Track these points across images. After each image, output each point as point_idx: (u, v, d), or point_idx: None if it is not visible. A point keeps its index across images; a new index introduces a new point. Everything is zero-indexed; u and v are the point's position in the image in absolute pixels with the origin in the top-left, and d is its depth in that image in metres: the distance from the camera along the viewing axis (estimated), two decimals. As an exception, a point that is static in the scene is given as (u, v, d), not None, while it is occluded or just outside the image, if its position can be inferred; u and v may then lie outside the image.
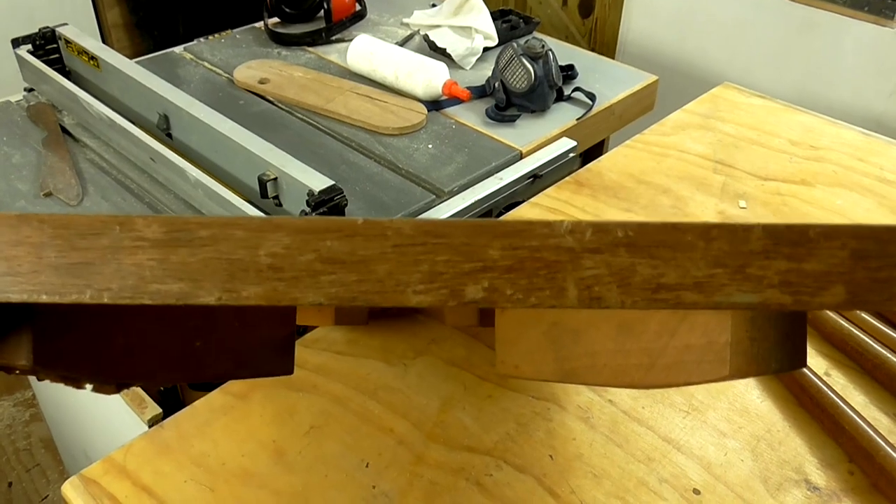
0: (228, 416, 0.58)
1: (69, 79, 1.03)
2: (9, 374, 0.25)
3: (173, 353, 0.24)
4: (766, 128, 1.00)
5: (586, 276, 0.20)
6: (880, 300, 0.19)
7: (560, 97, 1.08)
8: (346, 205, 0.74)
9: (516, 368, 0.32)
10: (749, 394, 0.62)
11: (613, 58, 1.96)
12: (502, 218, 0.82)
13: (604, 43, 2.07)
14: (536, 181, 0.95)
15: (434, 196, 0.87)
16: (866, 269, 0.19)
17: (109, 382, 0.25)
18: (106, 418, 0.82)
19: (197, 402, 0.60)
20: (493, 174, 0.92)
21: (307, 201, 0.72)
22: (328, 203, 0.72)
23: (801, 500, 0.54)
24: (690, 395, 0.62)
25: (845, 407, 0.58)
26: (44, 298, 0.19)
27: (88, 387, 0.25)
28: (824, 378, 0.63)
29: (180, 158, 0.81)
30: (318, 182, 0.74)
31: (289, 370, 0.26)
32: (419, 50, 1.19)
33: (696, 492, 0.55)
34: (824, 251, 0.19)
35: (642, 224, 0.19)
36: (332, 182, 0.73)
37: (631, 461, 0.57)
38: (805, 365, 0.26)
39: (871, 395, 0.62)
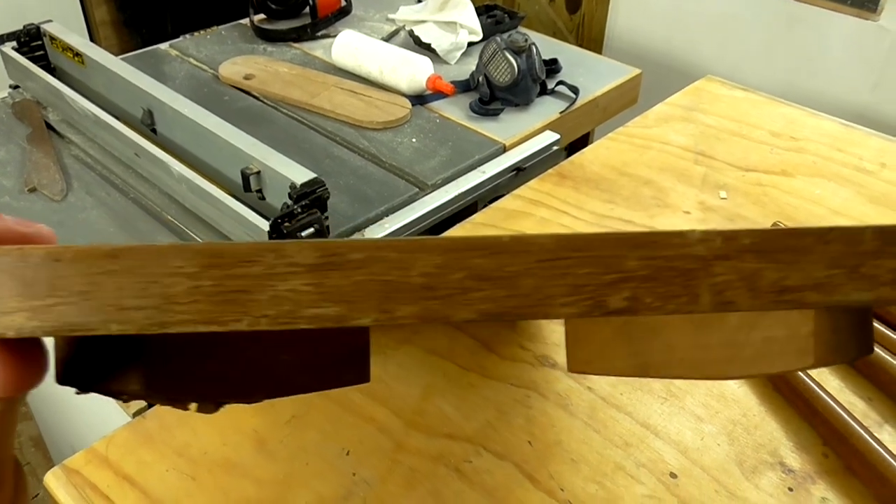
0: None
1: (54, 75, 1.03)
2: (116, 398, 0.25)
3: (263, 369, 0.24)
4: (748, 119, 1.01)
5: (718, 282, 0.20)
6: None
7: (544, 91, 1.08)
8: (328, 197, 0.74)
9: (588, 365, 0.32)
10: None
11: (601, 53, 1.97)
12: (495, 204, 0.83)
13: (591, 38, 2.08)
14: (520, 174, 0.95)
15: (417, 189, 0.88)
16: None
17: (210, 402, 0.26)
18: (92, 412, 0.83)
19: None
20: (476, 167, 0.93)
21: (289, 194, 0.73)
22: (310, 195, 0.73)
23: (776, 483, 0.55)
24: (669, 382, 0.62)
25: (819, 391, 0.59)
26: (200, 328, 0.19)
27: (192, 407, 0.25)
28: (801, 364, 0.64)
29: (164, 153, 0.82)
30: (301, 175, 0.74)
31: (366, 378, 0.26)
32: (404, 45, 1.19)
33: (673, 475, 0.55)
34: None
35: (766, 231, 0.20)
36: (315, 175, 0.74)
37: (609, 446, 0.57)
38: (873, 351, 0.26)
39: (847, 379, 0.63)
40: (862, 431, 0.55)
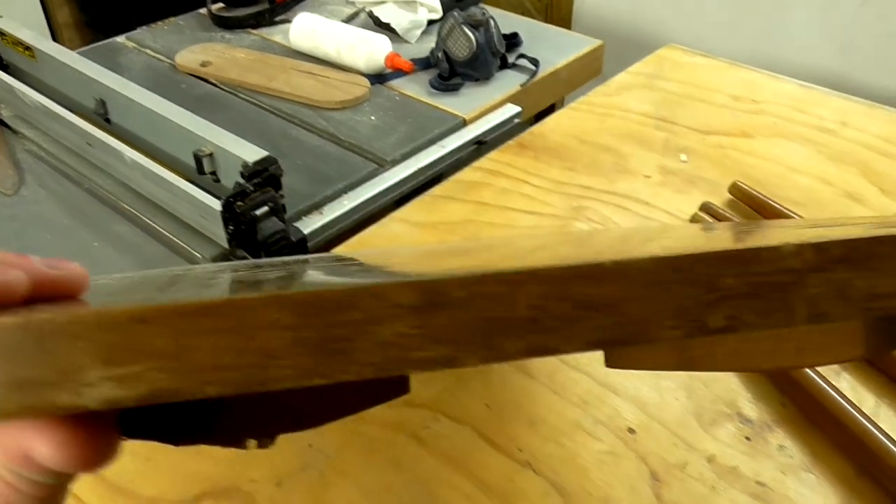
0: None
1: (6, 71, 1.01)
2: (166, 443, 0.24)
3: (316, 398, 0.24)
4: (709, 85, 1.01)
5: (812, 294, 0.20)
6: None
7: (504, 65, 1.08)
8: (281, 175, 0.73)
9: (632, 362, 0.31)
10: (686, 336, 0.62)
11: (570, 29, 1.97)
12: (455, 176, 0.82)
13: (560, 18, 2.07)
14: (482, 147, 0.94)
15: (376, 166, 0.87)
16: None
17: (268, 437, 0.25)
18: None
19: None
20: (436, 142, 0.92)
21: (241, 173, 0.72)
22: (263, 174, 0.72)
23: (733, 433, 0.55)
24: (628, 341, 0.62)
25: (777, 342, 0.58)
26: (304, 383, 0.18)
27: (252, 444, 0.24)
28: (760, 317, 0.63)
29: (115, 140, 0.81)
30: (253, 154, 0.73)
31: (407, 389, 0.26)
32: (364, 26, 1.18)
33: (632, 431, 0.55)
34: None
35: (854, 240, 0.20)
36: (266, 153, 0.73)
37: (568, 406, 0.57)
38: None
39: (806, 330, 0.63)
40: (819, 380, 0.55)
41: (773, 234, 0.22)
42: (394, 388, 0.24)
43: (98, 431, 0.20)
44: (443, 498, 0.51)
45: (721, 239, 0.26)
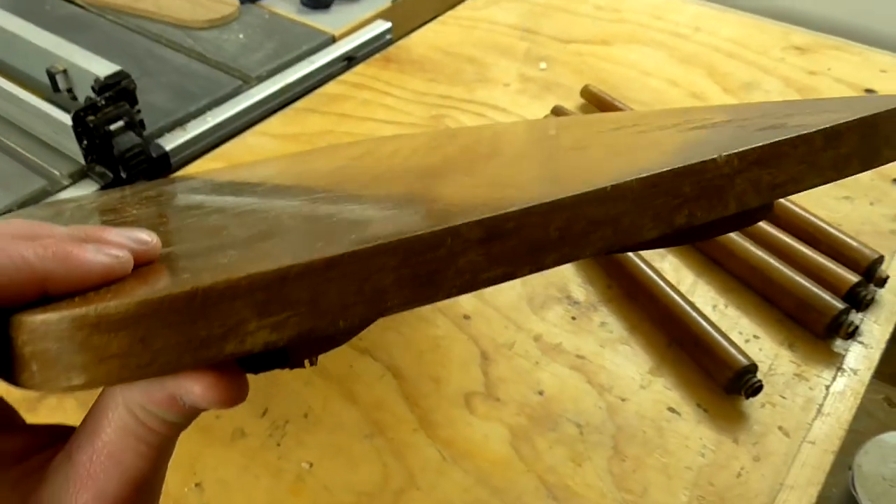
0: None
1: None
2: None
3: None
4: (575, -4, 1.03)
5: (738, 191, 0.26)
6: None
7: (377, -19, 1.08)
8: (134, 88, 0.73)
9: None
10: (526, 230, 0.66)
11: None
12: (319, 90, 0.83)
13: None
14: (351, 63, 0.95)
15: (241, 82, 0.87)
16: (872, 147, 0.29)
17: (317, 356, 0.29)
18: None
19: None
20: (304, 59, 0.92)
21: (92, 87, 0.71)
22: (115, 87, 0.72)
23: (560, 314, 0.59)
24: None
25: (606, 229, 0.62)
26: (407, 308, 0.23)
27: (307, 364, 0.28)
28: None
29: (-34, 60, 0.79)
30: (104, 69, 0.73)
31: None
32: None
33: (467, 317, 0.58)
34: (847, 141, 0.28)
35: (762, 146, 0.26)
36: (119, 68, 0.73)
37: (409, 298, 0.60)
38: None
39: (638, 220, 0.67)
40: (638, 261, 0.59)
41: (698, 150, 0.28)
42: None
43: (237, 373, 0.23)
44: (282, 383, 0.54)
45: (660, 148, 0.33)
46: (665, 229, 0.26)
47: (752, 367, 0.50)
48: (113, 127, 0.72)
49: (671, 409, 0.51)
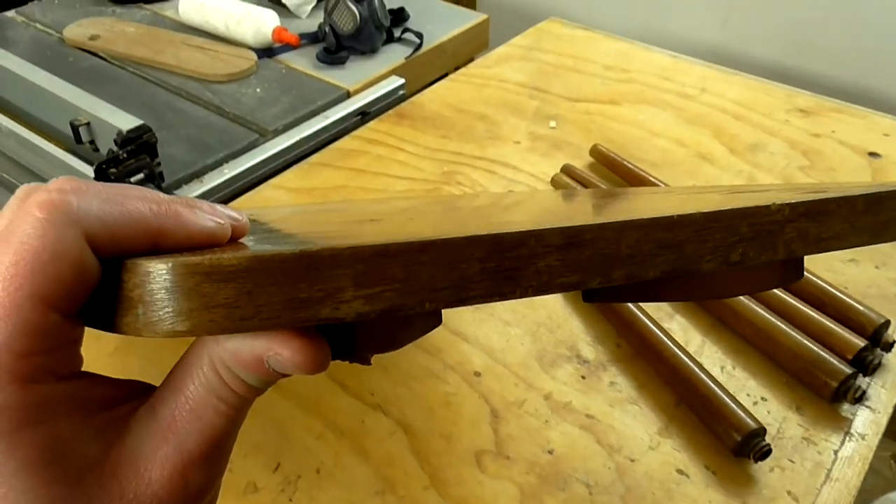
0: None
1: None
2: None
3: (392, 328, 0.29)
4: (584, 55, 1.06)
5: (787, 238, 0.29)
6: None
7: (391, 38, 1.11)
8: (155, 142, 0.75)
9: (614, 296, 0.38)
10: (537, 288, 0.67)
11: (475, 8, 2.00)
12: (334, 145, 0.85)
13: (466, -4, 2.10)
14: (365, 118, 0.97)
15: (258, 136, 0.89)
16: None
17: (371, 356, 0.30)
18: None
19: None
20: (319, 113, 0.95)
21: (115, 140, 0.73)
22: (137, 141, 0.74)
23: (570, 373, 0.59)
24: (482, 293, 0.66)
25: (615, 289, 0.63)
26: (487, 301, 0.24)
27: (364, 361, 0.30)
28: (606, 268, 0.68)
29: (-9, 110, 0.81)
30: (127, 122, 0.75)
31: (440, 321, 0.31)
32: (257, 2, 1.20)
33: (477, 374, 0.59)
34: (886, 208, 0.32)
35: (811, 201, 0.29)
36: (141, 122, 0.75)
37: (420, 353, 0.61)
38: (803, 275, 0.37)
39: (646, 279, 0.68)
40: (647, 321, 0.60)
41: (757, 197, 0.31)
42: (436, 321, 0.30)
43: (322, 343, 0.24)
44: (294, 437, 0.54)
45: (716, 202, 0.34)
46: (721, 263, 0.28)
47: (761, 431, 0.50)
48: (133, 179, 0.73)
49: (680, 471, 0.52)
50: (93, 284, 0.23)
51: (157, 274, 0.22)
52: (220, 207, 0.27)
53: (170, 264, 0.22)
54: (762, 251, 0.29)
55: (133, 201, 0.24)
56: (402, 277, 0.23)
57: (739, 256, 0.28)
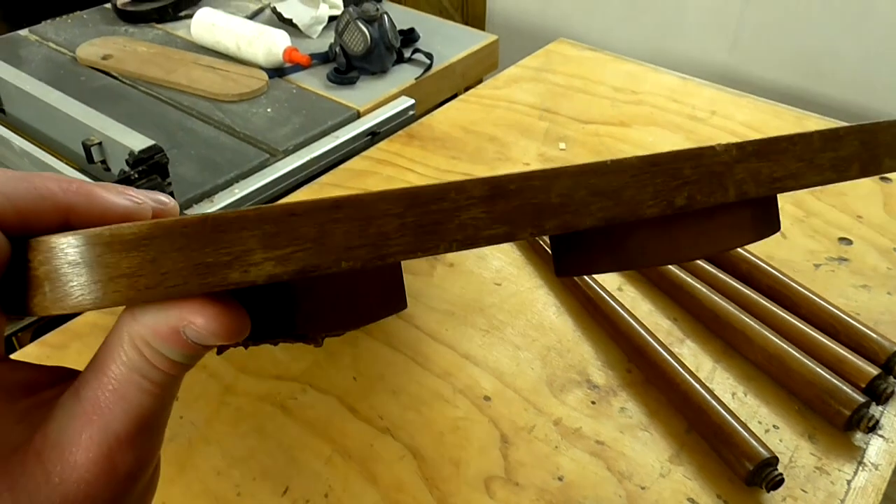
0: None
1: None
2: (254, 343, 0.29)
3: (350, 303, 0.29)
4: (593, 77, 1.06)
5: (737, 179, 0.28)
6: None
7: (401, 59, 1.11)
8: (166, 162, 0.75)
9: (582, 267, 0.37)
10: (547, 311, 0.67)
11: (484, 28, 2.01)
12: (343, 165, 0.85)
13: (475, 15, 2.12)
14: (375, 138, 0.98)
15: (268, 156, 0.90)
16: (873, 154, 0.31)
17: (320, 335, 0.30)
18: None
19: (12, 356, 0.61)
20: (329, 133, 0.95)
21: (126, 161, 0.74)
22: (148, 161, 0.74)
23: (580, 398, 0.59)
24: (492, 316, 0.66)
25: (625, 314, 0.63)
26: (409, 257, 0.23)
27: (311, 341, 0.30)
28: (616, 293, 0.68)
29: (4, 129, 0.82)
30: (139, 142, 0.75)
31: (405, 305, 0.31)
32: (268, 22, 1.21)
33: (487, 398, 0.59)
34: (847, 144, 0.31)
35: (761, 140, 0.28)
36: (153, 142, 0.75)
37: (430, 377, 0.61)
38: (780, 228, 0.35)
39: (657, 303, 0.67)
40: (657, 346, 0.60)
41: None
42: (398, 301, 0.30)
43: (238, 308, 0.24)
44: (303, 462, 0.54)
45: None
46: (665, 207, 0.27)
47: (773, 460, 0.50)
48: (144, 199, 0.73)
49: (691, 500, 0.51)
50: (2, 262, 0.23)
51: (59, 248, 0.22)
52: (145, 192, 0.26)
53: (70, 238, 0.22)
54: (710, 193, 0.28)
55: (43, 179, 0.24)
56: (315, 236, 0.22)
57: (685, 200, 0.27)
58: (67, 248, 0.22)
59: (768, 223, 0.34)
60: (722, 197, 0.28)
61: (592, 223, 0.26)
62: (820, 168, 0.30)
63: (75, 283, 0.22)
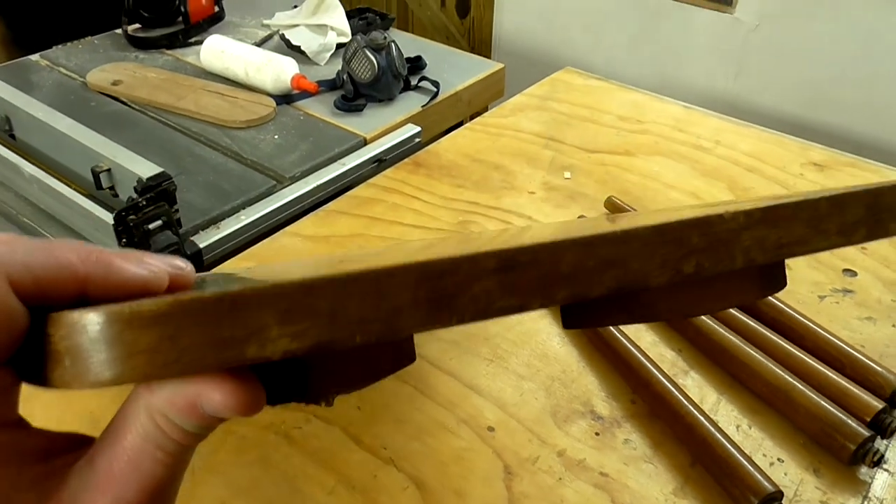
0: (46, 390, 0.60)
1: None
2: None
3: (363, 363, 0.29)
4: (599, 106, 1.07)
5: (745, 246, 0.28)
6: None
7: (407, 87, 1.12)
8: (174, 190, 0.76)
9: (594, 321, 0.38)
10: (551, 340, 0.67)
11: (490, 55, 2.03)
12: (350, 192, 0.85)
13: (482, 41, 2.13)
14: (381, 165, 0.98)
15: (275, 182, 0.90)
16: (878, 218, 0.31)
17: (333, 396, 0.30)
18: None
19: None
20: (336, 160, 0.96)
21: (135, 188, 0.74)
22: (156, 188, 0.75)
23: (584, 429, 0.59)
24: (496, 346, 0.66)
25: (629, 345, 0.63)
26: (423, 329, 0.24)
27: (322, 402, 0.30)
28: (620, 322, 0.68)
29: (15, 155, 0.83)
30: (147, 170, 0.76)
31: (414, 358, 0.31)
32: (277, 49, 1.22)
33: (491, 429, 0.59)
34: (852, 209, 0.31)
35: (768, 207, 0.28)
36: (161, 170, 0.76)
37: (434, 407, 0.61)
38: (786, 284, 0.35)
39: (661, 334, 0.68)
40: (661, 377, 0.60)
41: (715, 209, 0.30)
42: (408, 359, 0.30)
43: (255, 384, 0.24)
44: (306, 493, 0.54)
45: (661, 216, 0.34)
46: (674, 276, 0.27)
47: (778, 495, 0.50)
48: (152, 226, 0.74)
49: (695, 534, 0.51)
50: (20, 331, 0.23)
51: (80, 325, 0.22)
52: (162, 257, 0.27)
53: (90, 314, 0.22)
54: (718, 261, 0.28)
55: (61, 249, 0.24)
56: (329, 311, 0.23)
57: (694, 268, 0.28)
58: (88, 325, 0.22)
59: (774, 282, 0.34)
60: (730, 264, 0.28)
61: (602, 292, 0.26)
62: (826, 233, 0.30)
63: (95, 360, 0.22)
